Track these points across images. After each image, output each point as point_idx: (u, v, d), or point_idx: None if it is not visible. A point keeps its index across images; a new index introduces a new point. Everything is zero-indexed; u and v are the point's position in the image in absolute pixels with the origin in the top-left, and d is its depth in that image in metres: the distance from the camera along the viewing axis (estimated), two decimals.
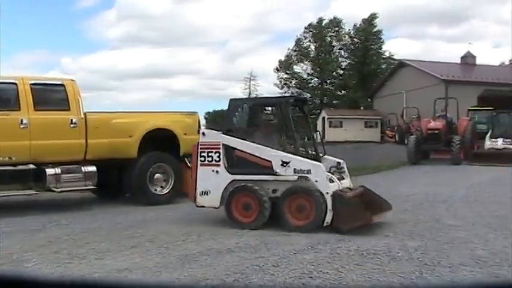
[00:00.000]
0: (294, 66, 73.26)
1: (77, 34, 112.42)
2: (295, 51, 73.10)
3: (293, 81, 73.04)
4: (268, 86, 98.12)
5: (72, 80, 13.66)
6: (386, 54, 69.92)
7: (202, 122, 19.04)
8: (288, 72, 73.21)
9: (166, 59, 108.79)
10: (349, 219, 9.73)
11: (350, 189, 10.83)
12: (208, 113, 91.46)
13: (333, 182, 10.48)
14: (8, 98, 12.64)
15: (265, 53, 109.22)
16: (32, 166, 12.42)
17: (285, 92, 71.41)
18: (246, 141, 10.83)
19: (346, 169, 11.38)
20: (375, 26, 69.60)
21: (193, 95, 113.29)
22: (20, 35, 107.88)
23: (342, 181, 10.83)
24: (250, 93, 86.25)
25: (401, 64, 54.74)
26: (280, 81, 73.36)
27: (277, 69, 73.79)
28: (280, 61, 74.05)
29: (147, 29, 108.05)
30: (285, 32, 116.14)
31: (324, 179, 10.19)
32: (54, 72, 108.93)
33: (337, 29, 71.64)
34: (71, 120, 13.00)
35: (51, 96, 13.29)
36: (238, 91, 78.91)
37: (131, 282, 5.19)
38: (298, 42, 72.80)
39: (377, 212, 10.43)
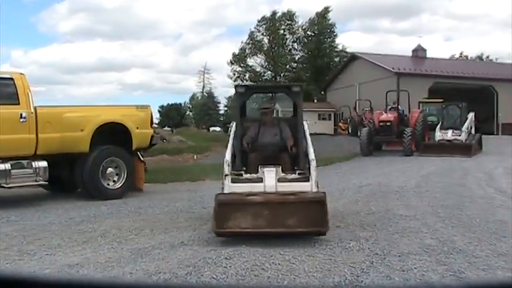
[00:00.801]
0: (248, 60, 73.53)
1: (28, 27, 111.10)
2: (248, 44, 73.24)
3: (247, 75, 73.17)
4: (223, 79, 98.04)
5: (22, 74, 13.41)
6: (340, 47, 70.78)
7: (156, 115, 18.91)
8: (241, 65, 73.37)
9: (120, 53, 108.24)
10: None
11: None
12: (162, 107, 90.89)
13: None
14: None
15: (219, 46, 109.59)
16: None
17: None
18: None
19: None
20: (328, 20, 70.22)
21: (148, 88, 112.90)
22: None
23: None
24: (204, 87, 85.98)
25: (354, 57, 55.39)
26: (234, 74, 73.47)
27: (231, 62, 73.90)
28: (234, 54, 74.23)
29: (100, 22, 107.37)
30: (238, 25, 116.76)
31: None
32: (5, 66, 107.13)
33: (290, 22, 72.06)
34: (21, 114, 12.78)
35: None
36: (193, 84, 78.90)
37: (129, 282, 5.11)
38: (251, 35, 73.04)
39: None
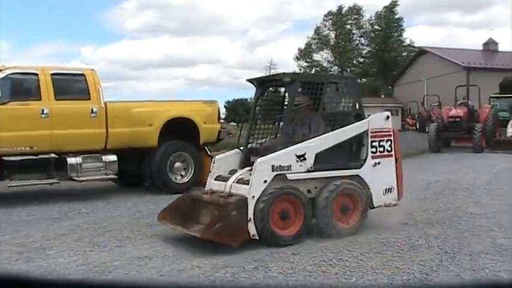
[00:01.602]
0: (314, 55, 73.05)
1: (97, 24, 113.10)
2: (314, 39, 72.82)
3: (313, 70, 72.80)
4: None
5: (93, 70, 13.71)
6: (407, 41, 69.48)
7: (222, 110, 18.97)
8: (307, 60, 72.97)
9: (186, 48, 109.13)
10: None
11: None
12: (228, 102, 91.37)
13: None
14: (29, 88, 12.75)
15: (285, 42, 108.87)
16: (53, 155, 12.53)
17: None
18: None
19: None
20: (396, 13, 69.18)
21: (214, 83, 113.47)
22: (41, 25, 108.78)
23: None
24: None
25: (422, 51, 54.34)
26: (300, 70, 73.12)
27: (297, 57, 73.59)
28: (299, 49, 73.88)
29: (167, 18, 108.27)
30: (304, 20, 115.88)
31: None
32: (74, 63, 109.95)
33: (357, 16, 71.26)
34: (91, 109, 13.07)
35: (71, 85, 13.36)
36: None
37: (128, 282, 5.15)
38: (317, 30, 72.57)
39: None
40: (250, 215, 8.04)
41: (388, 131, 9.40)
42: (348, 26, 71.46)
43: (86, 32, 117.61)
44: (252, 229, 8.02)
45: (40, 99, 12.54)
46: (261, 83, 10.03)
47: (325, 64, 73.04)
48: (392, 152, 9.36)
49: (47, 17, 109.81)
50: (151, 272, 6.94)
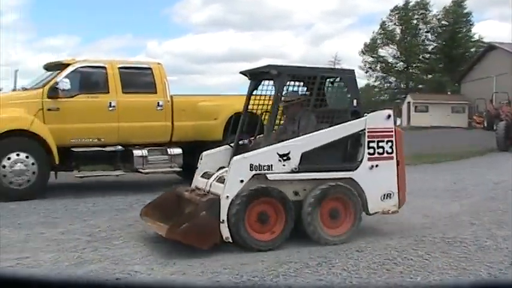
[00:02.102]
0: (379, 50, 72.20)
1: (163, 18, 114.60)
2: (380, 34, 71.99)
3: (378, 65, 72.02)
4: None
5: (159, 64, 13.88)
6: (476, 37, 67.97)
7: None
8: (373, 55, 72.18)
9: (251, 43, 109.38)
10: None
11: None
12: None
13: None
14: (98, 81, 13.02)
15: (350, 36, 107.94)
16: (119, 147, 12.77)
17: (370, 76, 70.83)
18: None
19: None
20: (465, 8, 67.77)
21: None
22: (107, 20, 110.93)
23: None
24: None
25: (491, 47, 53.05)
26: (365, 65, 72.46)
27: (362, 52, 72.87)
28: (365, 44, 73.14)
29: (232, 12, 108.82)
30: (370, 15, 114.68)
31: None
32: (140, 57, 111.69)
33: (424, 11, 70.09)
34: (158, 103, 13.25)
35: (138, 79, 13.58)
36: None
37: (126, 282, 5.12)
38: (383, 25, 71.71)
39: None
40: (224, 216, 7.53)
41: (389, 131, 8.56)
42: (415, 21, 70.41)
43: (152, 26, 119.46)
44: (225, 231, 7.53)
45: (108, 92, 12.79)
46: (253, 76, 9.47)
47: (390, 60, 72.22)
48: (394, 154, 8.51)
49: (114, 11, 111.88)
50: (216, 264, 6.98)
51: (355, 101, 8.70)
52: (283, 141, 8.16)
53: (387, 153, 8.44)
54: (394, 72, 71.78)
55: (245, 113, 9.63)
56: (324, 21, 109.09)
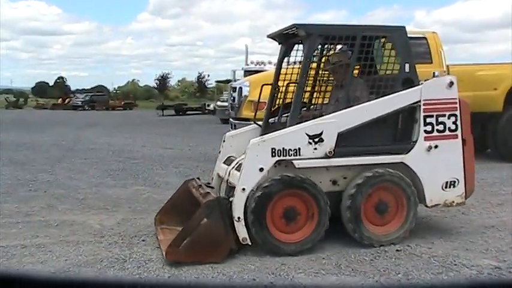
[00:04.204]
0: None
1: None
2: None
3: None
4: None
5: (434, 33, 13.56)
6: None
7: None
8: None
9: None
10: None
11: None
12: None
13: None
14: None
15: None
16: None
17: None
18: None
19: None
20: None
21: None
22: None
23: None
24: None
25: None
26: None
27: None
28: None
29: None
30: None
31: None
32: (408, 27, 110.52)
33: None
34: (433, 73, 12.84)
35: (413, 49, 13.29)
36: None
37: (126, 282, 4.65)
38: None
39: None
40: (239, 213, 6.20)
41: (453, 103, 6.91)
42: None
43: None
44: (242, 231, 6.19)
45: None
46: (282, 39, 7.74)
47: None
48: (458, 132, 6.89)
49: None
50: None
51: (407, 65, 7.04)
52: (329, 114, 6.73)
53: (450, 130, 6.87)
54: None
55: (275, 85, 7.96)
56: None
